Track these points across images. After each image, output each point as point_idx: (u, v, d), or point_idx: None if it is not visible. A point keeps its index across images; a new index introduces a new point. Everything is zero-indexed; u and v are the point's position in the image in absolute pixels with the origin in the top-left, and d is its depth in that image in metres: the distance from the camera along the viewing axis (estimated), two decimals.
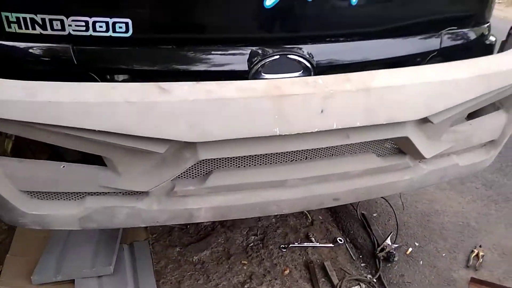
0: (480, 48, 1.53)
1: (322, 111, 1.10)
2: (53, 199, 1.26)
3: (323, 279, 1.93)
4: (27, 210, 1.22)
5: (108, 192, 1.24)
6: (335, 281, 1.89)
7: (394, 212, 2.27)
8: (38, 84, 1.05)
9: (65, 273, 1.82)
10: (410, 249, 2.12)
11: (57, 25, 1.17)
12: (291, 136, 1.11)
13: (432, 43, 1.45)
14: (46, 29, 1.18)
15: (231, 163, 1.24)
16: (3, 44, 1.20)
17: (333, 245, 2.13)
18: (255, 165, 1.26)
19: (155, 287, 1.81)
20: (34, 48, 1.21)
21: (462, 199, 2.53)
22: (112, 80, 1.25)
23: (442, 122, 1.27)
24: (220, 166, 1.24)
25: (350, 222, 2.33)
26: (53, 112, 1.02)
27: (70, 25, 1.17)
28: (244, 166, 1.26)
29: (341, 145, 1.26)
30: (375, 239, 2.16)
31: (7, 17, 1.16)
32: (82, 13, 1.16)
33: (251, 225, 2.25)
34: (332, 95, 1.11)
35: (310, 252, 2.08)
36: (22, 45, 1.21)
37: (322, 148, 1.25)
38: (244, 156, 1.21)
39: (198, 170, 1.24)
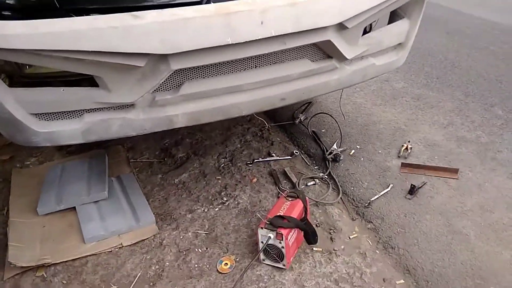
0: None
1: (262, 23, 1.45)
2: (58, 119, 1.55)
3: (285, 181, 2.34)
4: (38, 129, 1.51)
5: (102, 108, 1.55)
6: (294, 180, 2.31)
7: (338, 124, 2.71)
8: (37, 21, 1.33)
9: (66, 202, 2.12)
10: (353, 151, 2.56)
11: None
12: (240, 44, 1.46)
13: None
14: None
15: (197, 74, 1.58)
16: None
17: (290, 157, 2.53)
18: (216, 74, 1.60)
19: (147, 203, 2.15)
20: None
21: (394, 110, 3.00)
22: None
23: (355, 27, 1.65)
24: (189, 77, 1.57)
25: (303, 138, 2.74)
26: (53, 40, 1.31)
27: None
28: (208, 76, 1.60)
29: (281, 51, 1.61)
30: (324, 148, 2.58)
31: None
32: None
33: (220, 150, 2.61)
34: (268, 10, 1.46)
35: (272, 164, 2.47)
36: None
37: (267, 54, 1.60)
38: (207, 66, 1.55)
39: (172, 82, 1.56)
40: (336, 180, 2.33)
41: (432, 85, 3.34)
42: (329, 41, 1.62)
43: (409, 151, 2.52)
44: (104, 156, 2.49)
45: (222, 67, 1.59)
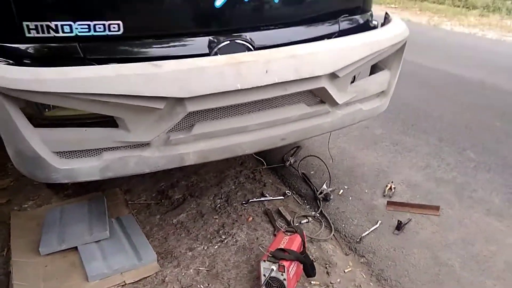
0: (366, 28, 2.19)
1: (266, 71, 1.65)
2: (77, 157, 1.66)
3: (279, 219, 2.46)
4: (59, 166, 1.61)
5: (120, 147, 1.67)
6: (289, 218, 2.43)
7: (326, 166, 2.88)
8: (67, 68, 1.48)
9: (68, 242, 2.17)
10: (341, 191, 2.73)
11: (66, 28, 1.60)
12: (248, 90, 1.64)
13: (334, 26, 2.08)
14: (58, 32, 1.60)
15: (208, 116, 1.74)
16: (25, 47, 1.61)
17: (283, 197, 2.67)
18: (225, 116, 1.77)
19: (147, 242, 2.22)
20: (49, 48, 1.63)
21: (376, 154, 3.21)
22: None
23: (345, 76, 1.87)
24: (200, 119, 1.73)
25: (294, 180, 2.90)
26: (82, 84, 1.45)
27: (76, 28, 1.61)
28: (217, 117, 1.76)
29: (282, 96, 1.80)
30: (314, 188, 2.74)
31: (27, 25, 1.57)
32: (86, 19, 1.61)
33: (215, 192, 2.72)
34: (271, 60, 1.66)
35: (266, 204, 2.59)
36: (39, 46, 1.62)
37: (270, 99, 1.79)
38: (217, 108, 1.72)
39: (185, 123, 1.71)
40: (328, 218, 2.47)
41: (408, 132, 3.60)
42: (323, 88, 1.83)
43: (393, 190, 2.70)
44: (103, 199, 2.56)
45: (230, 110, 1.77)
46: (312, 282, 1.99)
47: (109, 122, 1.64)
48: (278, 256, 1.83)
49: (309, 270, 1.94)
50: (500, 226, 2.41)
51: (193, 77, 1.55)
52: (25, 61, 1.61)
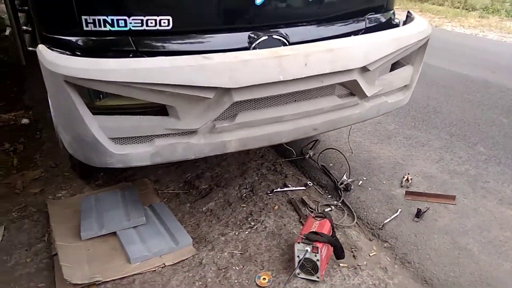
0: (390, 26, 2.32)
1: (305, 64, 1.77)
2: (131, 143, 1.77)
3: (304, 208, 2.58)
4: (115, 151, 1.73)
5: (170, 134, 1.79)
6: (313, 206, 2.56)
7: (345, 158, 3.01)
8: (128, 59, 1.60)
9: (107, 227, 2.28)
10: (361, 182, 2.86)
11: (121, 23, 1.72)
12: (288, 81, 1.77)
13: (361, 23, 2.21)
14: (113, 26, 1.72)
15: (250, 106, 1.86)
16: (83, 40, 1.73)
17: (305, 188, 2.79)
18: (265, 106, 1.90)
19: (182, 227, 2.33)
20: (104, 40, 1.74)
21: (390, 147, 3.34)
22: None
23: (374, 70, 2.00)
24: (243, 108, 1.85)
25: (314, 172, 3.02)
26: (143, 74, 1.57)
27: (130, 23, 1.73)
28: (258, 107, 1.89)
29: (317, 88, 1.93)
30: (335, 179, 2.87)
31: (85, 19, 1.69)
32: (139, 14, 1.72)
33: (240, 182, 2.85)
34: (310, 54, 1.79)
35: (289, 194, 2.72)
36: (95, 39, 1.74)
37: (306, 90, 1.91)
38: (259, 98, 1.84)
39: (230, 112, 1.84)
40: (350, 206, 2.59)
41: (419, 127, 3.74)
42: (355, 80, 1.96)
43: (410, 181, 2.83)
44: (135, 188, 2.68)
45: (269, 100, 1.89)
46: (340, 264, 2.11)
47: (159, 110, 1.76)
48: (312, 238, 1.96)
49: (339, 252, 2.06)
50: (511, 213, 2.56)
51: (240, 69, 1.67)
52: (81, 52, 1.72)
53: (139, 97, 1.66)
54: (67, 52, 1.69)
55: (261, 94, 1.78)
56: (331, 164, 3.09)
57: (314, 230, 2.01)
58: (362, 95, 2.08)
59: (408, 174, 2.90)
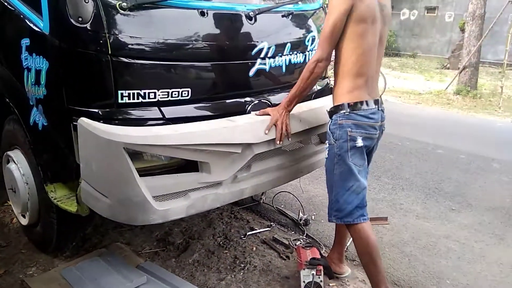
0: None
1: (300, 121, 2.24)
2: (169, 199, 1.95)
3: (277, 245, 2.94)
4: (158, 208, 1.88)
5: (202, 187, 2.02)
6: (286, 242, 2.94)
7: (297, 199, 3.49)
8: (176, 125, 1.85)
9: None
10: (313, 216, 3.35)
11: (151, 95, 1.97)
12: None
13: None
14: (145, 98, 1.95)
15: (261, 158, 2.22)
16: (117, 111, 1.91)
17: (269, 229, 3.15)
18: (270, 156, 2.27)
19: (182, 279, 2.46)
20: (138, 110, 1.95)
21: (322, 186, 3.95)
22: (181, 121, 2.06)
23: None
24: (256, 160, 2.20)
25: (271, 214, 3.40)
26: (190, 137, 1.83)
27: (158, 94, 1.98)
28: (266, 158, 2.25)
29: (306, 137, 2.39)
30: (292, 218, 3.30)
31: (121, 93, 1.89)
32: (166, 88, 1.99)
33: (211, 232, 3.07)
34: (301, 113, 2.27)
35: (259, 235, 3.05)
36: (129, 110, 1.94)
37: (299, 140, 2.37)
38: (268, 151, 2.22)
39: (247, 164, 2.16)
40: (314, 238, 3.04)
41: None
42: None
43: None
44: (115, 251, 2.69)
45: (274, 151, 2.28)
46: (330, 284, 2.52)
47: (188, 167, 2.01)
48: (314, 263, 2.33)
49: (330, 273, 2.46)
50: (429, 225, 3.33)
51: (259, 127, 2.05)
52: (114, 123, 1.90)
53: (183, 157, 1.88)
54: (102, 123, 1.85)
55: (271, 146, 2.17)
56: (282, 206, 3.53)
57: (312, 257, 2.40)
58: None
59: None
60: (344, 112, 2.09)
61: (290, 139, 2.23)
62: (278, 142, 2.17)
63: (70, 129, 1.93)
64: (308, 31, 2.62)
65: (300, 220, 3.22)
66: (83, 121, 1.77)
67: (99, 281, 2.37)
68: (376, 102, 2.14)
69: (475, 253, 2.97)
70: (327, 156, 2.20)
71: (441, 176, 4.41)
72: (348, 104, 2.09)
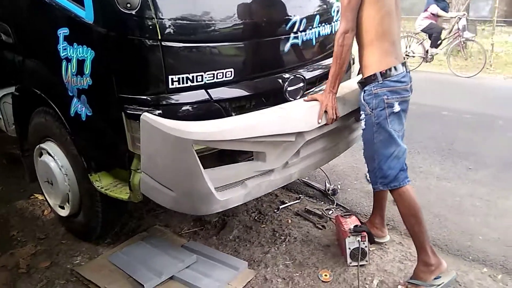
0: None
1: (344, 104, 2.28)
2: (228, 188, 2.00)
3: (310, 216, 3.02)
4: (220, 198, 1.93)
5: (257, 175, 2.07)
6: (319, 212, 3.02)
7: (322, 170, 3.56)
8: (236, 118, 1.89)
9: (166, 272, 2.33)
10: (339, 186, 3.44)
11: (199, 78, 1.97)
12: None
13: None
14: (193, 82, 1.96)
15: (308, 143, 2.24)
16: (169, 96, 1.92)
17: (299, 201, 3.23)
18: (316, 140, 2.31)
19: (229, 255, 2.54)
20: (186, 94, 1.96)
21: (350, 157, 4.03)
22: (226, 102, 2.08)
23: None
24: (304, 146, 2.22)
25: (298, 187, 3.48)
26: (250, 129, 1.86)
27: (205, 77, 1.99)
28: (313, 142, 2.29)
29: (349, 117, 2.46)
30: (319, 188, 3.39)
31: (171, 78, 1.90)
32: (212, 70, 2.00)
33: (244, 208, 3.13)
34: (345, 96, 2.31)
35: (290, 208, 3.13)
36: (179, 94, 1.94)
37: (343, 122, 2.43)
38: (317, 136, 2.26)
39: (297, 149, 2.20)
40: (345, 206, 3.14)
41: None
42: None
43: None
44: (158, 233, 2.75)
45: (321, 135, 2.32)
46: (371, 249, 2.61)
47: (246, 156, 2.06)
48: (358, 230, 2.42)
49: (372, 238, 2.56)
50: (451, 185, 3.45)
51: (310, 114, 2.11)
52: (166, 108, 1.91)
53: (244, 149, 1.94)
54: (156, 109, 1.86)
55: (321, 131, 2.23)
56: (307, 178, 3.60)
57: (355, 224, 2.49)
58: None
59: (367, 173, 3.59)
60: (378, 81, 2.12)
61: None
62: (329, 124, 2.23)
63: (121, 117, 1.93)
64: (333, 1, 2.63)
65: (328, 190, 3.30)
66: (147, 116, 1.76)
67: (149, 263, 2.42)
68: (404, 64, 2.17)
69: (500, 208, 3.10)
70: (364, 127, 2.22)
71: (452, 137, 4.53)
72: (380, 72, 2.11)
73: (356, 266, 2.43)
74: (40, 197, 3.32)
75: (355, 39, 2.19)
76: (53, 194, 2.68)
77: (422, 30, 8.67)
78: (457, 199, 3.22)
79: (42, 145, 2.60)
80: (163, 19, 1.80)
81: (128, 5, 1.72)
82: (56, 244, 2.77)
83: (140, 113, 1.86)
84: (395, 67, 2.13)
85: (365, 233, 2.41)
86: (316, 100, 2.23)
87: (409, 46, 8.96)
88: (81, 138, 2.26)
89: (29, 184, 3.58)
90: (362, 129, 2.26)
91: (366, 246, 2.42)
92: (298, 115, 2.08)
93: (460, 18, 8.35)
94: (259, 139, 1.91)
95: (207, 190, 1.86)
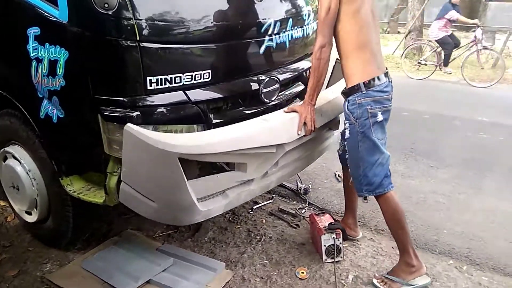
0: None
1: (321, 115, 2.35)
2: (210, 198, 2.01)
3: (284, 215, 3.07)
4: (202, 208, 1.94)
5: (238, 184, 2.09)
6: (292, 211, 3.08)
7: None
8: (221, 130, 1.91)
9: (142, 277, 2.30)
10: (309, 185, 3.51)
11: (177, 79, 1.96)
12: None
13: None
14: (171, 83, 1.95)
15: (285, 154, 2.27)
16: (146, 98, 1.89)
17: (272, 200, 3.27)
18: (294, 150, 2.33)
19: (206, 257, 2.53)
20: (164, 96, 1.94)
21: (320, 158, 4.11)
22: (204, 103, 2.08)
23: None
24: (282, 156, 2.26)
25: None
26: (235, 143, 1.90)
27: (183, 78, 1.98)
28: (291, 152, 2.31)
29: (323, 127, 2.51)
30: (291, 188, 3.44)
31: (150, 80, 1.88)
32: (190, 71, 1.99)
33: None
34: (322, 107, 2.37)
35: (264, 208, 3.16)
36: (157, 96, 1.92)
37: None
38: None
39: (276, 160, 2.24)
40: (317, 205, 3.21)
41: None
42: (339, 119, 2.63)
43: (340, 177, 3.62)
44: (130, 238, 2.70)
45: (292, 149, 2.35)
46: (344, 245, 2.69)
47: (226, 166, 2.08)
48: (333, 227, 2.49)
49: (345, 235, 2.64)
50: (415, 182, 3.61)
51: (290, 126, 2.15)
52: (143, 109, 1.89)
53: (228, 161, 1.99)
54: (134, 111, 1.84)
55: (299, 142, 2.27)
56: None
57: (329, 222, 2.55)
58: (336, 128, 2.75)
59: (336, 172, 3.70)
60: (361, 91, 2.17)
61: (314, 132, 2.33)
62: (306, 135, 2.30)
63: (97, 119, 1.89)
64: (305, 5, 2.68)
65: (300, 190, 3.36)
66: (131, 127, 1.73)
67: (125, 268, 2.38)
68: (386, 74, 2.24)
69: (461, 203, 3.28)
70: (348, 135, 2.26)
71: (413, 137, 4.73)
72: (364, 83, 2.16)
73: (332, 262, 2.49)
74: (2, 203, 3.17)
75: (337, 49, 2.24)
76: (19, 200, 2.57)
77: (437, 41, 8.58)
78: (422, 195, 3.38)
79: (7, 149, 2.49)
80: (141, 19, 1.77)
81: (106, 5, 1.69)
82: (23, 252, 2.66)
83: (118, 114, 1.84)
84: (378, 77, 2.18)
85: (339, 230, 2.48)
86: (295, 111, 2.28)
87: (422, 54, 8.89)
88: (52, 141, 2.18)
89: None
90: (347, 138, 2.29)
91: (340, 243, 2.49)
92: (280, 127, 2.13)
93: (478, 26, 8.22)
94: (243, 151, 1.94)
95: (190, 201, 1.88)
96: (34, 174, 2.39)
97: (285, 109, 2.32)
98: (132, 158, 1.81)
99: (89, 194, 2.16)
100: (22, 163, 2.41)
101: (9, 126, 2.44)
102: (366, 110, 2.16)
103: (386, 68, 2.30)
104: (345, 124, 2.29)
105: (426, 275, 2.34)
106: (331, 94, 2.43)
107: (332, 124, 2.63)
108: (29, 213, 2.60)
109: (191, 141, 1.81)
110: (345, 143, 2.33)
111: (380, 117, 2.19)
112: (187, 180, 1.83)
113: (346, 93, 2.25)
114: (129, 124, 1.73)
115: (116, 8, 1.71)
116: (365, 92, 2.16)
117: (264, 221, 2.98)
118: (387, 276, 2.32)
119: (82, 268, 2.43)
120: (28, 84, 2.08)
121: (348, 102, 2.22)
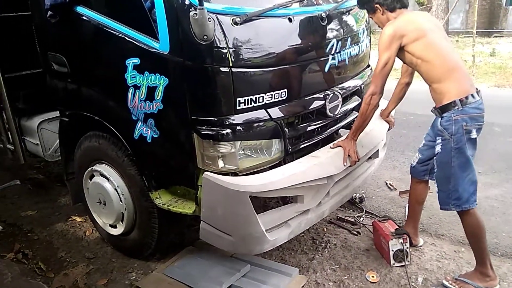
0: None
1: (362, 146, 2.56)
2: (275, 229, 2.27)
3: (344, 223, 3.21)
4: (271, 238, 2.19)
5: (297, 215, 2.34)
6: (351, 220, 3.22)
7: None
8: (280, 169, 2.16)
9: (226, 282, 2.47)
10: (363, 193, 3.65)
11: (260, 99, 2.16)
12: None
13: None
14: (256, 103, 2.15)
15: (336, 183, 2.50)
16: (235, 117, 2.10)
17: None
18: (342, 179, 2.58)
19: (279, 263, 2.70)
20: (249, 114, 2.15)
21: None
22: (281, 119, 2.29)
23: None
24: (332, 186, 2.47)
25: None
26: (294, 179, 2.15)
27: (265, 98, 2.18)
28: (339, 181, 2.55)
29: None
30: None
31: (239, 100, 2.09)
32: (270, 91, 2.20)
33: None
34: (362, 139, 2.59)
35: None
36: (244, 114, 2.13)
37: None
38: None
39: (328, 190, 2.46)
40: (374, 213, 3.35)
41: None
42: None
43: (393, 185, 3.76)
44: (203, 247, 2.88)
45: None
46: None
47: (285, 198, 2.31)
48: (400, 232, 2.63)
49: (411, 240, 2.77)
50: None
51: (337, 159, 2.41)
52: (233, 127, 2.10)
53: (288, 194, 2.29)
54: (224, 130, 2.06)
55: (346, 172, 2.54)
56: None
57: (396, 228, 2.69)
58: (376, 156, 2.99)
59: (387, 180, 3.83)
60: (458, 108, 2.23)
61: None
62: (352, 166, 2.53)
63: (191, 137, 2.11)
64: (359, 23, 2.88)
65: (355, 199, 3.51)
66: (209, 175, 2.06)
67: (207, 274, 2.56)
68: (478, 92, 2.32)
69: None
70: (440, 151, 2.35)
71: None
72: (460, 100, 2.22)
73: (400, 266, 2.63)
74: (78, 219, 3.43)
75: (424, 79, 2.38)
76: (105, 214, 2.80)
77: None
78: None
79: (95, 167, 2.73)
80: (232, 48, 1.99)
81: (205, 37, 1.91)
82: (107, 263, 2.88)
83: (212, 132, 2.06)
84: (472, 95, 2.25)
85: (406, 236, 2.61)
86: (340, 146, 2.51)
87: None
88: (144, 158, 2.41)
89: (63, 207, 3.70)
90: (437, 153, 2.38)
91: (407, 247, 2.62)
92: (328, 161, 2.38)
93: None
94: (300, 185, 2.19)
95: (261, 233, 2.14)
96: (122, 190, 2.62)
97: (331, 145, 2.56)
98: (211, 200, 2.12)
99: (178, 206, 2.37)
100: (110, 180, 2.64)
101: (97, 147, 2.69)
102: (461, 127, 2.25)
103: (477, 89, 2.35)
104: (436, 140, 2.39)
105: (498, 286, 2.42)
106: (369, 127, 2.63)
107: (372, 153, 2.85)
108: (114, 226, 2.82)
109: (258, 181, 2.10)
110: (435, 158, 2.42)
111: (474, 134, 2.27)
112: (257, 214, 2.11)
113: (439, 110, 2.33)
114: (207, 173, 2.07)
115: (213, 39, 1.93)
116: (461, 108, 2.24)
117: (325, 229, 3.14)
118: (459, 278, 2.43)
119: (166, 276, 2.63)
120: (122, 108, 2.32)
121: (442, 119, 2.30)
